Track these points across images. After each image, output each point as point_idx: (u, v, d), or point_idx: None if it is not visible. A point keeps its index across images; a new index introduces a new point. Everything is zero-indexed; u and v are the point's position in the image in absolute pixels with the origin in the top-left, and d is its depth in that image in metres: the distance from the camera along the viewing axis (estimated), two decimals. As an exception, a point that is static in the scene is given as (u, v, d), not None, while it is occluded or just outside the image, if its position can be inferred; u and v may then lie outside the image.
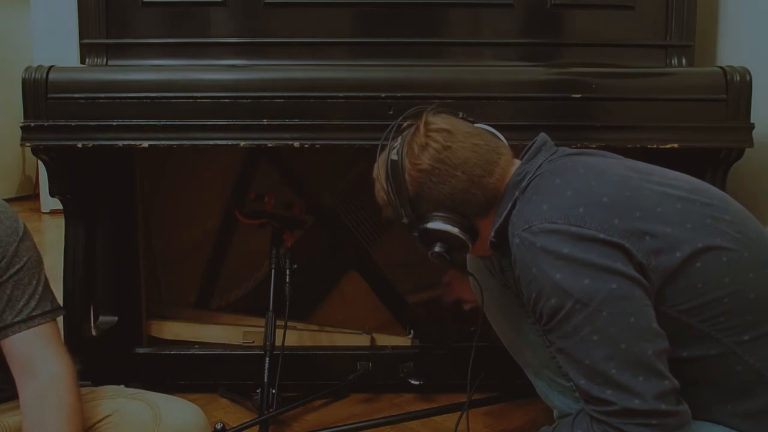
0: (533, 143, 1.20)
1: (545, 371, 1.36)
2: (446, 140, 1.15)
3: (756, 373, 1.04)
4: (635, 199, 1.05)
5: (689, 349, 1.04)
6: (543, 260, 1.02)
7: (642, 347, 0.98)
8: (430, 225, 1.17)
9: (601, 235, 1.00)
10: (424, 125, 1.17)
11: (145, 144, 1.55)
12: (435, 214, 1.16)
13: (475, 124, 1.22)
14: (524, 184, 1.12)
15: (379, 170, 1.22)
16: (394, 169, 1.16)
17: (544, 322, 1.04)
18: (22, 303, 1.14)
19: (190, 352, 1.89)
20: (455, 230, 1.16)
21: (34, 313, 1.14)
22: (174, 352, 1.89)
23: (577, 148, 1.24)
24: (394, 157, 1.17)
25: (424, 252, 1.68)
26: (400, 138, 1.20)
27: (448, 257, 1.19)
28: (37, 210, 5.38)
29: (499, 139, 1.22)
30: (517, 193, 1.12)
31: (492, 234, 1.16)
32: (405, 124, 1.23)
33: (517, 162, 1.19)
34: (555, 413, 1.35)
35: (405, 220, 1.18)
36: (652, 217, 1.03)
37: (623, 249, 1.00)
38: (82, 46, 1.70)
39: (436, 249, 1.19)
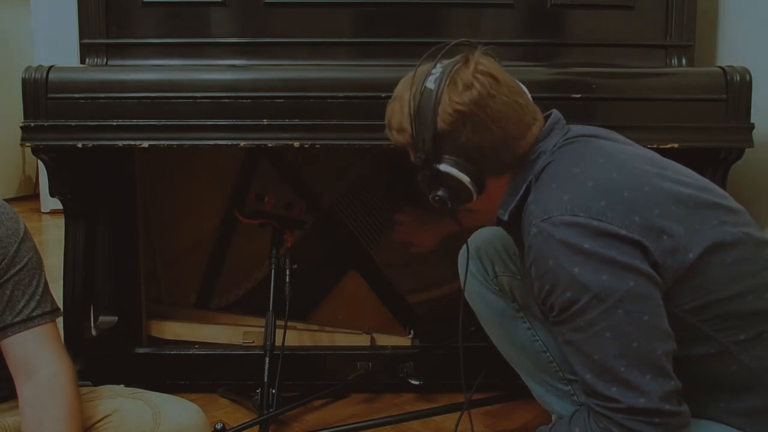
0: (547, 118, 1.15)
1: (543, 376, 1.35)
2: (492, 88, 1.07)
3: (750, 372, 1.05)
4: (653, 195, 1.03)
5: (689, 349, 1.04)
6: (561, 253, 1.00)
7: (653, 347, 0.98)
8: (444, 168, 1.09)
9: (623, 232, 0.99)
10: (475, 63, 1.08)
11: (145, 144, 1.55)
12: (452, 158, 1.09)
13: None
14: (538, 167, 1.09)
15: (410, 94, 1.10)
16: (427, 99, 1.08)
17: (555, 314, 1.03)
18: (22, 303, 1.14)
19: (190, 352, 1.89)
20: (467, 180, 1.10)
21: (34, 314, 1.14)
22: (174, 352, 1.89)
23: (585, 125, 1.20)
24: (431, 85, 1.08)
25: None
26: (440, 67, 1.10)
27: (449, 204, 1.14)
28: (37, 210, 5.37)
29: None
30: (531, 177, 1.10)
31: (505, 215, 1.13)
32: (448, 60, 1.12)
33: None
34: (554, 417, 1.35)
35: (420, 155, 1.10)
36: (668, 216, 1.02)
37: (642, 247, 0.99)
38: (82, 46, 1.70)
39: (440, 193, 1.12)
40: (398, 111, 1.13)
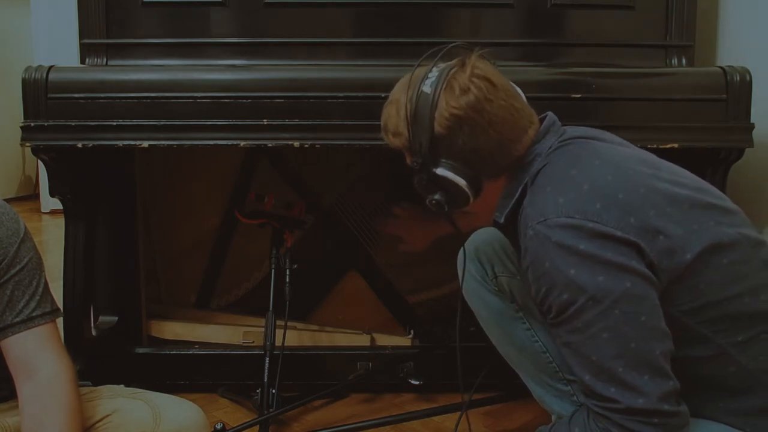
0: (542, 121, 1.15)
1: (542, 376, 1.35)
2: (489, 92, 1.07)
3: (749, 373, 1.05)
4: (649, 196, 1.03)
5: (687, 350, 1.04)
6: (557, 255, 1.00)
7: (650, 347, 0.98)
8: (441, 172, 1.10)
9: (618, 233, 0.99)
10: (471, 67, 1.09)
11: (145, 144, 1.55)
12: (449, 161, 1.10)
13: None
14: (534, 169, 1.10)
15: (406, 98, 1.10)
16: (424, 103, 1.08)
17: (552, 315, 1.03)
18: (22, 304, 1.14)
19: (190, 352, 1.89)
20: (464, 183, 1.10)
21: (34, 314, 1.15)
22: (174, 352, 1.89)
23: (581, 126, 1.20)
24: (427, 89, 1.08)
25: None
26: (436, 70, 1.10)
27: (446, 207, 1.14)
28: (37, 210, 5.38)
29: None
30: (527, 179, 1.10)
31: (501, 218, 1.14)
32: (445, 63, 1.12)
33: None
34: (553, 417, 1.35)
35: (417, 159, 1.10)
36: (664, 217, 1.02)
37: (638, 248, 0.99)
38: (82, 46, 1.70)
39: (437, 197, 1.12)
40: (394, 114, 1.13)
